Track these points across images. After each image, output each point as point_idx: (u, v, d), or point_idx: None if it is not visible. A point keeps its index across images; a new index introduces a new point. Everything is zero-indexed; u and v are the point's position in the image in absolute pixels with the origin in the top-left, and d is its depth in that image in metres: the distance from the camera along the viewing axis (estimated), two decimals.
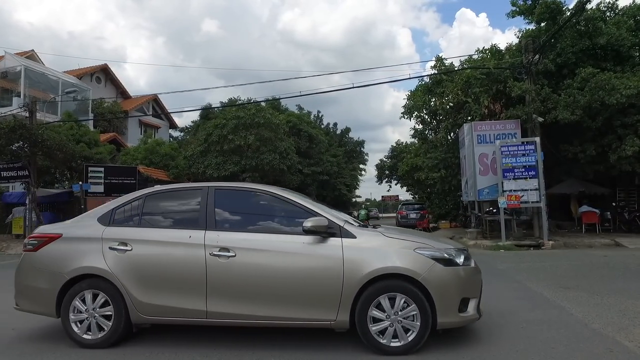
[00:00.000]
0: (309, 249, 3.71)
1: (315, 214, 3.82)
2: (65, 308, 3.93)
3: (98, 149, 21.17)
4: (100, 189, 18.13)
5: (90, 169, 17.99)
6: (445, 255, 3.69)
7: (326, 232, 3.70)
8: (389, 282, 3.59)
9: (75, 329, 3.92)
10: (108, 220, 4.15)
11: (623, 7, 16.02)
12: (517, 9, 16.87)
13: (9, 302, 4.36)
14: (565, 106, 13.44)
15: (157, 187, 4.50)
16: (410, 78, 37.77)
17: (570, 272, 7.94)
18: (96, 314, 3.90)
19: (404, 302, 3.56)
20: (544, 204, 13.16)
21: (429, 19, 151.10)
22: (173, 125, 38.29)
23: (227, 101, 28.04)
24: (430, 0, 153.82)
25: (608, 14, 15.81)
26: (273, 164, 23.56)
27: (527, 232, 14.64)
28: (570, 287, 6.35)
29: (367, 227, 4.12)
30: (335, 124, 37.41)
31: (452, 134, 17.85)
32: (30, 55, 27.98)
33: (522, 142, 13.43)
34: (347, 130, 37.65)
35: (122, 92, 33.52)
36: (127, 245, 3.94)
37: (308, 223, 3.66)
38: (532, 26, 16.67)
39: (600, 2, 15.49)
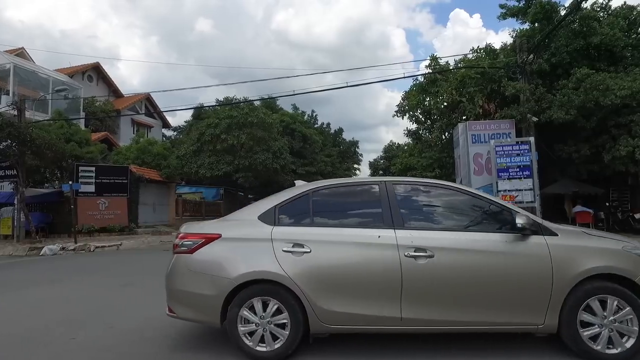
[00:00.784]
0: (512, 248, 3.44)
1: (511, 210, 3.57)
2: (232, 317, 3.53)
3: (89, 148, 20.90)
4: (91, 188, 17.94)
5: (80, 168, 17.78)
6: None
7: (531, 229, 3.45)
8: (599, 283, 3.35)
9: (247, 341, 3.52)
10: (273, 219, 3.73)
11: (615, 8, 16.13)
12: (507, 12, 16.90)
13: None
14: (560, 106, 13.48)
15: (320, 183, 4.11)
16: (404, 77, 37.49)
17: None
18: (270, 324, 3.50)
19: (617, 304, 3.30)
20: (539, 204, 13.15)
21: (422, 20, 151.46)
22: (166, 125, 37.94)
23: (222, 100, 27.76)
24: (424, 1, 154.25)
25: (601, 14, 15.88)
26: (266, 163, 23.40)
27: None
28: None
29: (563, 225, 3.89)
30: (328, 124, 37.26)
31: (446, 133, 17.82)
32: (20, 53, 27.59)
33: (517, 142, 13.39)
34: (340, 131, 37.46)
35: (114, 90, 33.10)
36: (304, 247, 3.54)
37: (521, 219, 3.39)
38: (526, 26, 16.71)
39: (595, 2, 15.58)
